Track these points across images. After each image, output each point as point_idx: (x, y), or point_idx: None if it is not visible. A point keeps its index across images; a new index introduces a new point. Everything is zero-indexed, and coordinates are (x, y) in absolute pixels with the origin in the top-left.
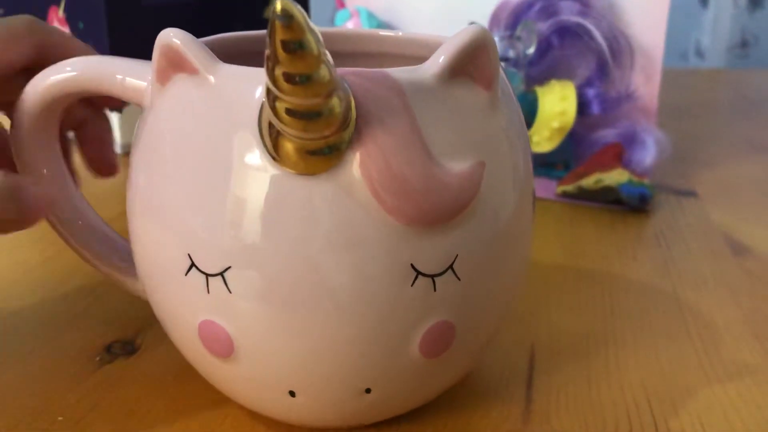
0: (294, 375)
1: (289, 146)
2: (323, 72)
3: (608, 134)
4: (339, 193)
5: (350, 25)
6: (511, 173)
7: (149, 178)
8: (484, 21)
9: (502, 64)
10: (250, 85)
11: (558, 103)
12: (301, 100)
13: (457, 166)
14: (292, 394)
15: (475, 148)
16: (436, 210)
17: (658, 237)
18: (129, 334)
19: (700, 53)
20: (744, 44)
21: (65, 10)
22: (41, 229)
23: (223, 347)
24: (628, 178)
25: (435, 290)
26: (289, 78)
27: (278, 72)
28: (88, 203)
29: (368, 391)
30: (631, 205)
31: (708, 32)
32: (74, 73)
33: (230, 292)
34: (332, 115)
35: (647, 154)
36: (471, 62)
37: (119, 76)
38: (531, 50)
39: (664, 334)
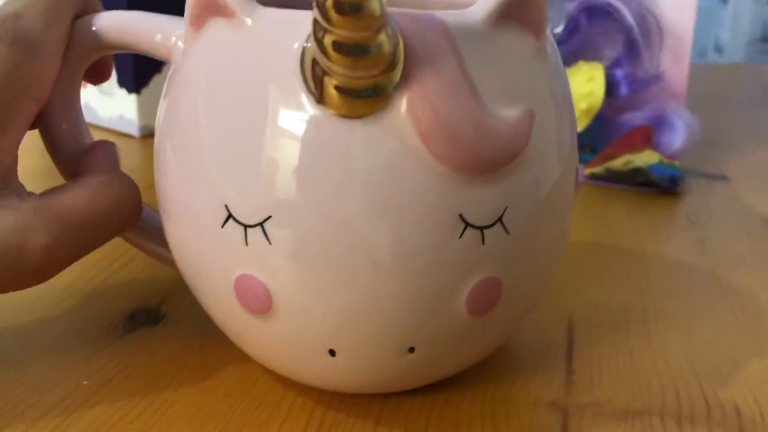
0: (335, 331)
1: (333, 86)
2: (374, 3)
3: (637, 117)
4: (385, 137)
5: None
6: (557, 125)
7: (184, 128)
8: None
9: None
10: (291, 27)
11: (585, 84)
12: (350, 33)
13: (507, 114)
14: (331, 353)
15: (524, 96)
16: (486, 157)
17: (690, 218)
18: (153, 303)
19: (719, 49)
20: (765, 39)
21: None
22: None
23: (261, 303)
24: (658, 159)
25: (483, 243)
26: (339, 7)
27: (329, 1)
28: None
29: (412, 350)
30: (661, 186)
31: (728, 27)
32: (97, 29)
33: (270, 244)
34: (380, 53)
35: (677, 137)
36: (520, 7)
37: (145, 31)
38: (559, 29)
39: (705, 310)
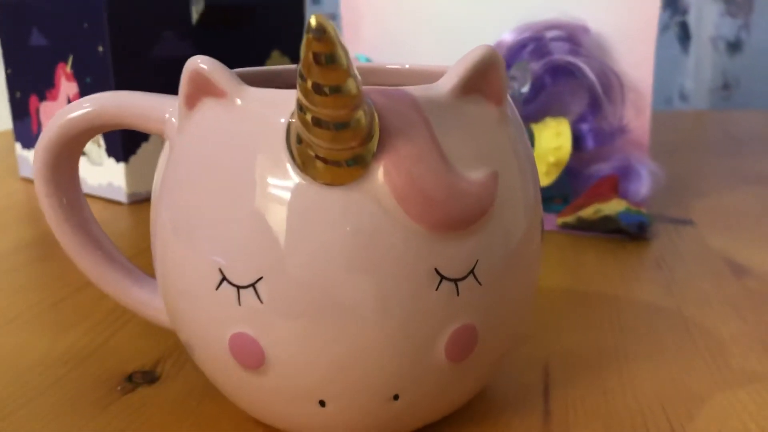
0: (324, 382)
1: (316, 157)
2: (351, 85)
3: (603, 168)
4: (365, 202)
5: None
6: (521, 182)
7: (180, 198)
8: None
9: None
10: (276, 105)
11: (553, 139)
12: (329, 111)
13: (474, 175)
14: (321, 403)
15: (489, 159)
16: (457, 216)
17: (659, 262)
18: (149, 363)
19: (684, 97)
20: (726, 86)
21: (72, 66)
22: (51, 272)
23: (255, 358)
24: (625, 207)
25: (458, 294)
26: (319, 89)
27: (309, 83)
28: (106, 235)
29: (396, 397)
30: (630, 233)
31: (691, 76)
32: (93, 109)
33: (261, 303)
34: (359, 127)
35: (642, 185)
36: (482, 79)
37: (139, 109)
38: (526, 89)
39: (672, 348)
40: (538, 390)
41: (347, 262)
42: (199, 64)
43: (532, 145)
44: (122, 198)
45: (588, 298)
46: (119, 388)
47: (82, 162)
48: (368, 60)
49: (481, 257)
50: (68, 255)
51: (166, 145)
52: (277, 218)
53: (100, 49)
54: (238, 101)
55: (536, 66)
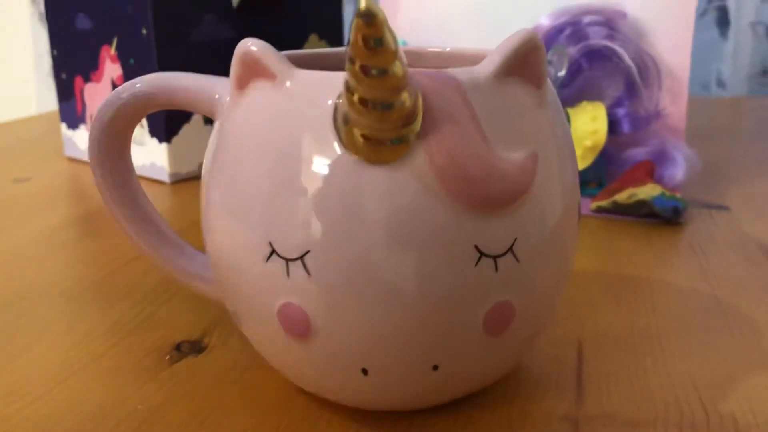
0: (367, 351)
1: (362, 137)
2: (397, 67)
3: (639, 152)
4: (408, 180)
5: None
6: (559, 164)
7: (231, 175)
8: None
9: None
10: (324, 86)
11: (589, 123)
12: (376, 92)
13: (514, 156)
14: (364, 372)
15: (528, 140)
16: (497, 195)
17: (693, 247)
18: (196, 334)
19: (721, 83)
20: (765, 73)
21: (116, 48)
22: (98, 247)
23: (301, 327)
24: (660, 191)
25: (497, 271)
26: (367, 71)
27: (357, 65)
28: (157, 211)
29: (436, 368)
30: (664, 217)
31: (728, 62)
32: (146, 90)
33: (309, 275)
34: (403, 108)
35: (678, 170)
36: (522, 62)
37: (190, 90)
38: (562, 73)
39: (706, 330)
40: (571, 368)
41: (390, 238)
42: (250, 46)
43: (569, 128)
44: (164, 177)
45: (622, 280)
46: (168, 357)
47: None
48: (404, 43)
49: (519, 235)
50: (123, 232)
51: (216, 125)
52: (324, 195)
53: (144, 31)
54: (288, 83)
55: (573, 50)
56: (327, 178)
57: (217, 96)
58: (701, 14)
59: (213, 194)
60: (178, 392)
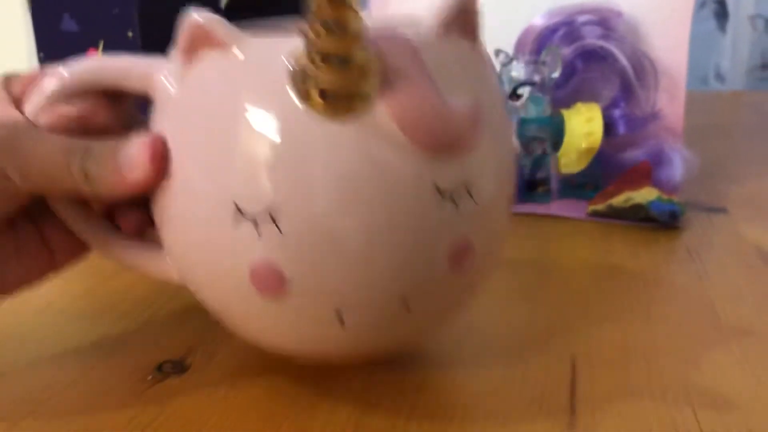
0: (342, 294)
1: (320, 95)
2: (357, 24)
3: (636, 154)
4: (371, 132)
5: None
6: (498, 110)
7: (189, 146)
8: (509, 47)
9: (528, 87)
10: (277, 49)
11: (584, 125)
12: (336, 46)
13: (461, 104)
14: (340, 320)
15: (470, 89)
16: (451, 139)
17: (690, 252)
18: (179, 353)
19: (720, 77)
20: (764, 66)
21: (102, 52)
22: (82, 261)
23: (277, 284)
24: (657, 195)
25: (456, 209)
26: (327, 26)
27: (319, 21)
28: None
29: (406, 305)
30: (661, 222)
31: (727, 56)
32: (72, 74)
33: (281, 231)
34: (361, 63)
35: (675, 172)
36: (460, 20)
37: (128, 69)
38: (556, 74)
39: (703, 342)
40: (565, 386)
41: (357, 185)
42: (198, 18)
43: (563, 131)
44: None
45: (617, 288)
46: (150, 378)
47: None
48: None
49: (473, 176)
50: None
51: (158, 100)
52: (288, 152)
53: (130, 34)
54: (239, 50)
55: (567, 51)
56: (289, 136)
57: (152, 73)
58: (699, 6)
59: (178, 172)
60: (162, 415)
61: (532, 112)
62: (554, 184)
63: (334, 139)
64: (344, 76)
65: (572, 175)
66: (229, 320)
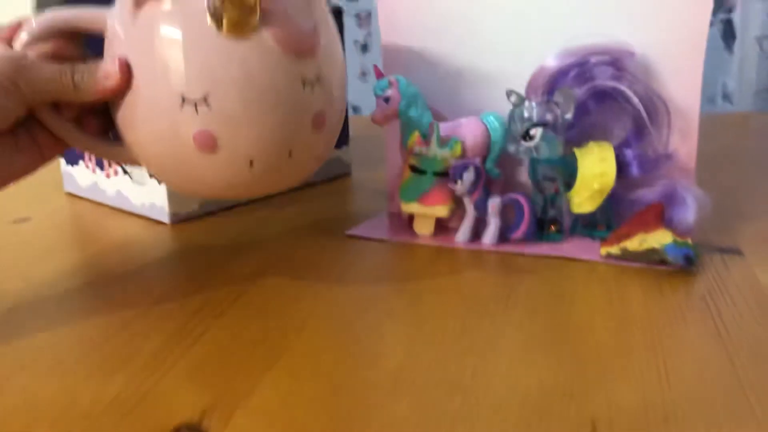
0: (254, 148)
1: (227, 23)
2: None
3: (648, 194)
4: (260, 44)
5: (389, 93)
6: (332, 27)
7: (146, 63)
8: (520, 88)
9: (540, 128)
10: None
11: (597, 165)
12: None
13: (309, 24)
14: (251, 164)
15: (313, 15)
16: (308, 46)
17: (705, 299)
18: (195, 417)
19: (727, 96)
20: None
21: None
22: (95, 304)
23: (211, 143)
24: (672, 239)
25: (313, 92)
26: None
27: None
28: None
29: (290, 155)
30: (676, 265)
31: (734, 76)
32: (50, 17)
33: (210, 108)
34: (251, 3)
35: (688, 213)
36: None
37: (89, 16)
38: (569, 116)
39: (723, 406)
40: None
41: (254, 79)
42: None
43: (575, 170)
44: (164, 218)
45: (633, 341)
46: None
47: (125, 180)
48: (405, 80)
49: (321, 69)
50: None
51: (111, 36)
52: (210, 59)
53: None
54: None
55: (579, 91)
56: (208, 48)
57: (106, 18)
58: None
59: (138, 81)
60: None
61: (545, 152)
62: (566, 223)
63: (238, 50)
64: (241, 12)
65: (584, 214)
66: (176, 179)
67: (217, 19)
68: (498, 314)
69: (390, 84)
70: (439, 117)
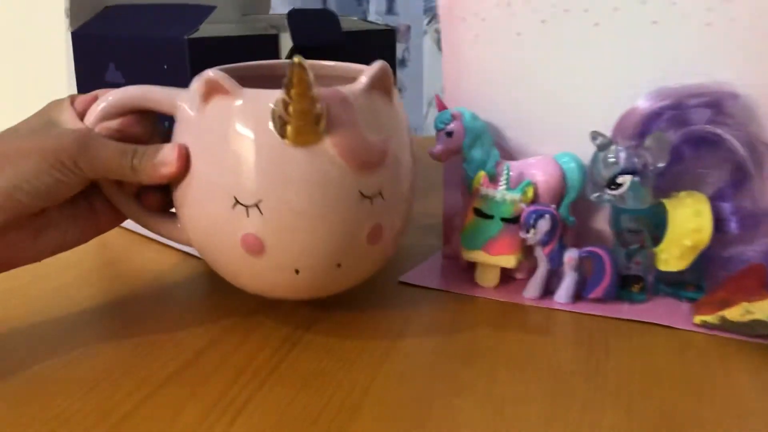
0: (299, 257)
1: (291, 130)
2: (314, 92)
3: (746, 251)
4: (320, 155)
5: (452, 127)
6: (405, 142)
7: (208, 157)
8: (607, 130)
9: (629, 176)
10: (264, 99)
11: (691, 219)
12: (301, 105)
13: (377, 138)
14: (297, 272)
15: (385, 128)
16: (370, 162)
17: None
18: None
19: None
20: None
21: None
22: (122, 356)
23: (258, 248)
24: None
25: (372, 205)
26: (296, 92)
27: (291, 90)
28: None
29: (339, 266)
30: None
31: None
32: (121, 96)
33: (262, 214)
34: (316, 113)
35: None
36: (379, 81)
37: (159, 96)
38: (662, 164)
39: None
40: None
41: (311, 189)
42: (210, 73)
43: (663, 222)
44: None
45: None
46: None
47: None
48: (471, 113)
49: (384, 184)
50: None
51: (180, 123)
52: (268, 165)
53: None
54: (239, 97)
55: (674, 136)
56: (270, 154)
57: (178, 102)
58: None
59: (195, 171)
60: None
61: (631, 202)
62: (649, 281)
63: (298, 159)
64: (305, 121)
65: (672, 273)
66: (224, 272)
67: (282, 126)
68: (589, 398)
69: (453, 117)
70: (506, 156)
